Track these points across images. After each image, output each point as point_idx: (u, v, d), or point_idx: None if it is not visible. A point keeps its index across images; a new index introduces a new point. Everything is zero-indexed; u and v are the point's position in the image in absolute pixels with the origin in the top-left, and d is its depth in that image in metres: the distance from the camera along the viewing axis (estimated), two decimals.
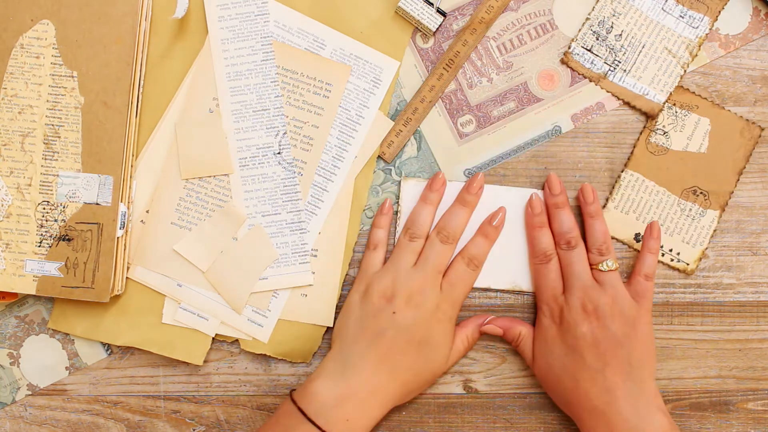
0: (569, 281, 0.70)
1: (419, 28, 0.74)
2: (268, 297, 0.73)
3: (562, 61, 0.74)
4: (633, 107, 0.74)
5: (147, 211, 0.73)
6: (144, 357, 0.74)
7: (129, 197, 0.72)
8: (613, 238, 0.74)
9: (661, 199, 0.74)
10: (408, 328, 0.67)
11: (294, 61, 0.73)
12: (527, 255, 0.73)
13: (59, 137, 0.70)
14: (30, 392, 0.74)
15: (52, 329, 0.74)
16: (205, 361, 0.74)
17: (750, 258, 0.75)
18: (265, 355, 0.74)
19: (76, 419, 0.74)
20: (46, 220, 0.70)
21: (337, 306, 0.74)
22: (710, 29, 0.74)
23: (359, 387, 0.66)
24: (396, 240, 0.73)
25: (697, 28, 0.74)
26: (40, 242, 0.70)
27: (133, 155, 0.72)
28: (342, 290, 0.74)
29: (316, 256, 0.73)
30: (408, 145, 0.74)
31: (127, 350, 0.74)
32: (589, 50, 0.74)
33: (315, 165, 0.73)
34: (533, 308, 0.74)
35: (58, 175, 0.70)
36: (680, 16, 0.74)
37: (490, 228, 0.72)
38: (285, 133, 0.73)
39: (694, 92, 0.74)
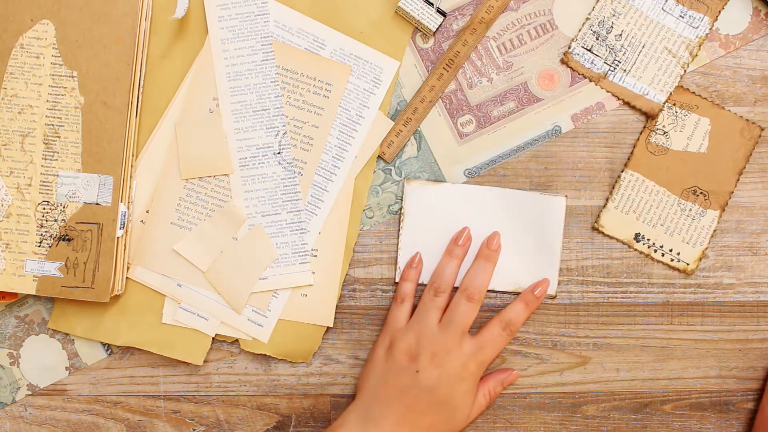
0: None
1: (419, 28, 0.74)
2: (268, 297, 0.73)
3: (562, 61, 0.74)
4: (633, 107, 0.74)
5: (147, 211, 0.73)
6: (144, 357, 0.74)
7: (129, 197, 0.72)
8: (613, 238, 0.74)
9: (661, 199, 0.74)
10: (430, 389, 0.67)
11: (294, 61, 0.73)
12: (529, 258, 0.73)
13: (59, 137, 0.70)
14: (30, 392, 0.74)
15: (52, 329, 0.74)
16: (205, 361, 0.74)
17: (750, 258, 0.75)
18: (265, 355, 0.74)
19: (76, 419, 0.74)
20: (46, 220, 0.70)
21: (337, 306, 0.74)
22: (710, 29, 0.74)
23: None
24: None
25: (697, 28, 0.74)
26: (40, 242, 0.70)
27: (133, 155, 0.72)
28: (342, 290, 0.74)
29: (316, 256, 0.73)
30: (408, 145, 0.74)
31: (127, 350, 0.74)
32: (589, 50, 0.74)
33: (315, 165, 0.73)
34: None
35: (58, 175, 0.70)
36: (680, 16, 0.74)
37: (533, 297, 0.71)
38: (285, 133, 0.73)
39: (694, 92, 0.74)
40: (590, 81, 0.74)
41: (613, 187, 0.74)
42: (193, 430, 0.75)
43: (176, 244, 0.72)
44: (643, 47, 0.73)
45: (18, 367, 0.74)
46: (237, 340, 0.74)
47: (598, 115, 0.74)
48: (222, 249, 0.72)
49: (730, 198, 0.74)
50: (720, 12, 0.74)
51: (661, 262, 0.74)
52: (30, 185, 0.70)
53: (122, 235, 0.71)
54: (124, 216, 0.71)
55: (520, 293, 0.73)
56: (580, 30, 0.74)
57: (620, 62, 0.74)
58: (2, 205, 0.70)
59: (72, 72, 0.70)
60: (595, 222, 0.74)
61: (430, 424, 0.67)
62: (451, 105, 0.74)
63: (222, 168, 0.73)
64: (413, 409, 0.67)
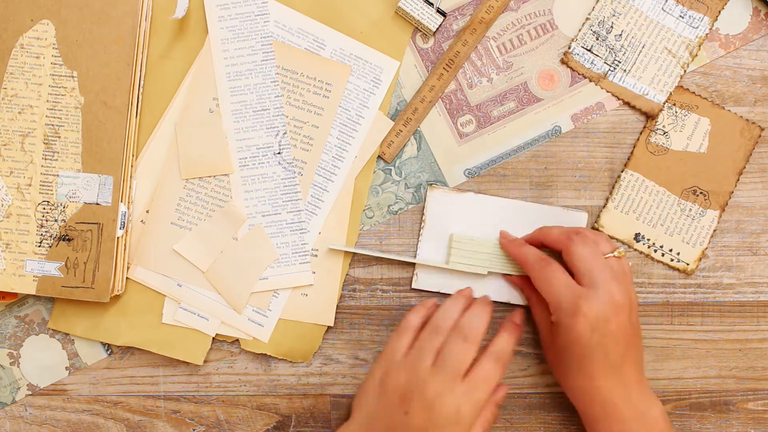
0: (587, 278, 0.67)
1: (419, 28, 0.74)
2: (269, 297, 0.73)
3: (562, 61, 0.74)
4: (633, 107, 0.74)
5: (147, 211, 0.73)
6: (144, 357, 0.74)
7: (129, 197, 0.72)
8: (613, 238, 0.74)
9: (661, 199, 0.74)
10: (420, 431, 0.64)
11: (294, 61, 0.73)
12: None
13: (59, 137, 0.70)
14: (30, 392, 0.74)
15: (52, 329, 0.74)
16: (205, 361, 0.74)
17: (750, 258, 0.75)
18: (265, 355, 0.74)
19: (76, 419, 0.74)
20: (46, 220, 0.70)
21: (337, 306, 0.74)
22: (710, 29, 0.74)
23: None
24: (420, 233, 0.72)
25: (697, 28, 0.74)
26: (40, 242, 0.70)
27: (133, 155, 0.72)
28: (342, 290, 0.74)
29: (316, 256, 0.73)
30: (408, 145, 0.74)
31: (127, 350, 0.74)
32: (589, 50, 0.74)
33: (315, 165, 0.73)
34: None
35: (58, 175, 0.70)
36: (680, 16, 0.74)
37: (514, 326, 0.69)
38: (285, 133, 0.73)
39: (694, 92, 0.74)
40: (590, 81, 0.74)
41: (613, 187, 0.74)
42: (193, 430, 0.75)
43: (176, 244, 0.72)
44: (643, 47, 0.73)
45: (18, 367, 0.74)
46: (237, 340, 0.74)
47: (598, 115, 0.74)
48: (222, 249, 0.72)
49: (730, 198, 0.74)
50: (720, 12, 0.74)
51: (661, 262, 0.74)
52: (30, 185, 0.70)
53: (122, 235, 0.71)
54: (124, 216, 0.71)
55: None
56: (580, 30, 0.74)
57: (620, 62, 0.74)
58: (2, 205, 0.71)
59: (72, 72, 0.70)
60: (595, 222, 0.74)
61: None
62: (451, 105, 0.74)
63: (222, 168, 0.73)
64: None
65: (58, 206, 0.70)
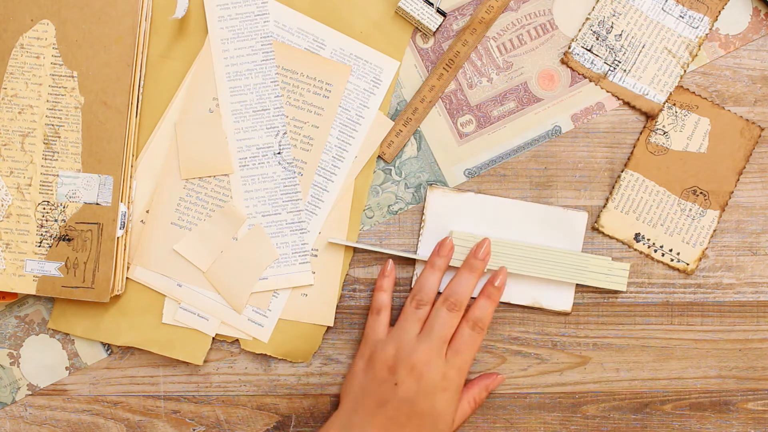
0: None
1: (419, 28, 0.74)
2: (269, 297, 0.73)
3: (562, 61, 0.74)
4: (633, 107, 0.74)
5: (147, 211, 0.73)
6: (144, 357, 0.74)
7: (129, 197, 0.72)
8: (613, 238, 0.74)
9: (661, 199, 0.74)
10: (410, 400, 0.66)
11: (294, 61, 0.73)
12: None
13: (59, 137, 0.70)
14: (30, 392, 0.74)
15: (52, 329, 0.74)
16: (205, 361, 0.74)
17: (750, 258, 0.75)
18: (265, 355, 0.74)
19: (76, 419, 0.74)
20: (46, 220, 0.70)
21: (337, 306, 0.74)
22: (710, 29, 0.74)
23: None
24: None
25: (697, 28, 0.74)
26: (40, 242, 0.70)
27: (133, 155, 0.72)
28: (342, 290, 0.74)
29: (316, 256, 0.73)
30: (408, 145, 0.74)
31: (127, 350, 0.74)
32: (589, 50, 0.74)
33: (315, 165, 0.73)
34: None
35: (58, 175, 0.70)
36: (680, 16, 0.74)
37: (493, 289, 0.70)
38: (285, 133, 0.73)
39: (694, 92, 0.74)
40: (590, 81, 0.74)
41: (613, 187, 0.74)
42: (193, 430, 0.75)
43: (176, 244, 0.72)
44: (643, 47, 0.73)
45: (18, 367, 0.74)
46: (237, 340, 0.74)
47: (598, 115, 0.74)
48: (222, 249, 0.72)
49: (730, 198, 0.74)
50: (720, 12, 0.74)
51: (661, 262, 0.74)
52: (30, 185, 0.70)
53: (122, 235, 0.71)
54: (124, 216, 0.71)
55: (539, 307, 0.73)
56: (580, 30, 0.74)
57: (620, 62, 0.74)
58: (2, 205, 0.70)
59: (72, 72, 0.70)
60: (595, 222, 0.74)
61: None
62: (451, 105, 0.74)
63: (222, 168, 0.73)
64: (394, 421, 0.66)
65: (58, 206, 0.70)
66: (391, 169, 0.74)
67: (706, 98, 0.74)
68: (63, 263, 0.70)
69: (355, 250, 0.74)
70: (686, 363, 0.75)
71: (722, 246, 0.75)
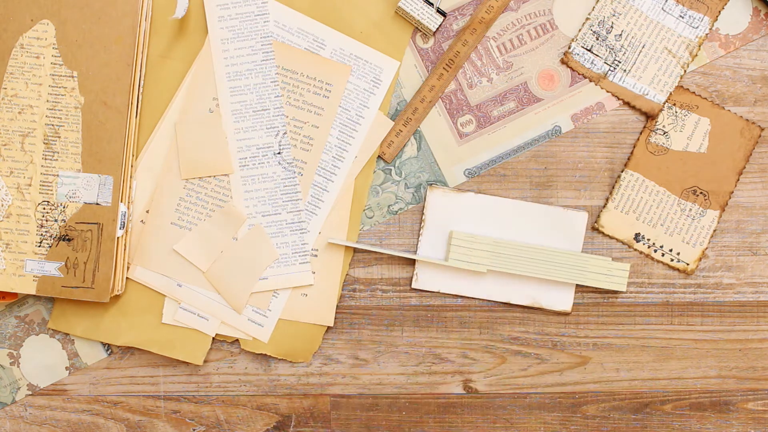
0: None
1: (419, 28, 0.74)
2: (269, 297, 0.73)
3: (562, 61, 0.74)
4: (633, 107, 0.74)
5: (147, 211, 0.73)
6: (144, 357, 0.74)
7: (129, 197, 0.72)
8: (613, 238, 0.74)
9: (661, 199, 0.74)
10: None
11: (294, 61, 0.73)
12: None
13: (59, 137, 0.70)
14: (30, 392, 0.74)
15: (52, 329, 0.74)
16: (205, 361, 0.74)
17: (750, 258, 0.75)
18: (265, 355, 0.74)
19: (76, 419, 0.74)
20: (46, 220, 0.70)
21: (337, 306, 0.74)
22: (710, 29, 0.74)
23: None
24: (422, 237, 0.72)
25: (697, 28, 0.74)
26: (40, 242, 0.70)
27: (133, 155, 0.72)
28: (342, 290, 0.74)
29: (316, 256, 0.73)
30: (408, 145, 0.74)
31: (127, 350, 0.74)
32: (589, 50, 0.74)
33: (315, 165, 0.73)
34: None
35: (58, 175, 0.70)
36: (680, 16, 0.74)
37: None
38: (285, 133, 0.73)
39: (694, 92, 0.74)
40: (590, 81, 0.74)
41: (613, 187, 0.74)
42: (193, 430, 0.75)
43: (176, 244, 0.72)
44: (643, 47, 0.73)
45: (18, 367, 0.74)
46: (237, 340, 0.74)
47: (598, 115, 0.74)
48: (222, 249, 0.72)
49: (730, 198, 0.74)
50: (720, 12, 0.74)
51: (661, 262, 0.74)
52: (30, 185, 0.70)
53: (122, 235, 0.71)
54: (124, 216, 0.71)
55: (539, 307, 0.73)
56: (580, 30, 0.74)
57: (620, 62, 0.74)
58: (2, 205, 0.70)
59: (72, 72, 0.70)
60: (595, 222, 0.74)
61: None
62: (451, 105, 0.74)
63: (222, 168, 0.73)
64: None
65: (58, 206, 0.70)
66: (391, 169, 0.74)
67: (706, 98, 0.74)
68: (63, 263, 0.70)
69: (355, 250, 0.74)
70: (686, 363, 0.75)
71: (722, 246, 0.75)
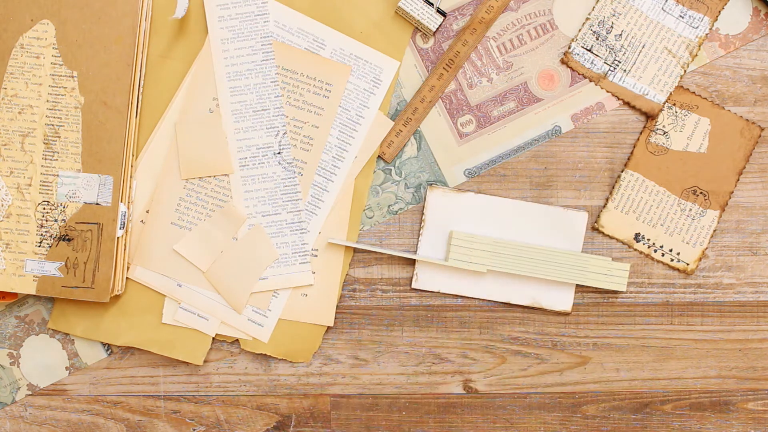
0: None
1: (419, 28, 0.74)
2: (269, 297, 0.73)
3: (562, 61, 0.74)
4: (633, 107, 0.74)
5: (147, 211, 0.73)
6: (144, 357, 0.74)
7: (129, 197, 0.72)
8: (613, 238, 0.74)
9: (661, 199, 0.74)
10: None
11: (294, 61, 0.73)
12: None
13: (59, 137, 0.70)
14: (30, 392, 0.74)
15: (52, 329, 0.74)
16: (205, 361, 0.74)
17: (750, 258, 0.75)
18: (265, 355, 0.74)
19: (76, 419, 0.74)
20: (46, 220, 0.70)
21: (337, 306, 0.74)
22: (710, 29, 0.74)
23: None
24: (422, 236, 0.72)
25: (697, 28, 0.74)
26: (40, 242, 0.70)
27: (133, 155, 0.72)
28: (342, 290, 0.74)
29: (316, 256, 0.73)
30: (408, 145, 0.74)
31: (127, 350, 0.74)
32: (589, 50, 0.74)
33: (315, 165, 0.73)
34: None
35: (58, 175, 0.70)
36: (680, 16, 0.74)
37: None
38: (285, 133, 0.73)
39: (694, 92, 0.74)
40: (590, 81, 0.74)
41: (613, 187, 0.74)
42: (193, 430, 0.75)
43: (176, 244, 0.72)
44: (643, 47, 0.73)
45: (18, 367, 0.74)
46: (237, 340, 0.74)
47: (598, 115, 0.74)
48: (222, 249, 0.72)
49: (730, 198, 0.74)
50: (720, 12, 0.74)
51: (661, 262, 0.74)
52: (30, 185, 0.70)
53: (122, 235, 0.71)
54: (124, 216, 0.71)
55: (539, 307, 0.73)
56: (580, 30, 0.74)
57: (620, 62, 0.74)
58: (2, 205, 0.70)
59: (72, 72, 0.70)
60: (595, 222, 0.74)
61: None
62: (451, 105, 0.74)
63: (222, 168, 0.73)
64: None
65: (58, 206, 0.70)
66: (391, 169, 0.74)
67: (706, 98, 0.74)
68: (63, 263, 0.70)
69: (355, 250, 0.74)
70: (686, 363, 0.75)
71: (722, 246, 0.75)
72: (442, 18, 0.73)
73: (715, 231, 0.74)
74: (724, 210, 0.74)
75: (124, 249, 0.71)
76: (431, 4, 0.73)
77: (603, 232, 0.74)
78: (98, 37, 0.70)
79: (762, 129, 0.74)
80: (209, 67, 0.73)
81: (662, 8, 0.73)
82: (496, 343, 0.75)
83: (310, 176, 0.73)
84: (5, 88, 0.70)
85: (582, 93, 0.74)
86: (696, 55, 0.74)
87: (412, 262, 0.74)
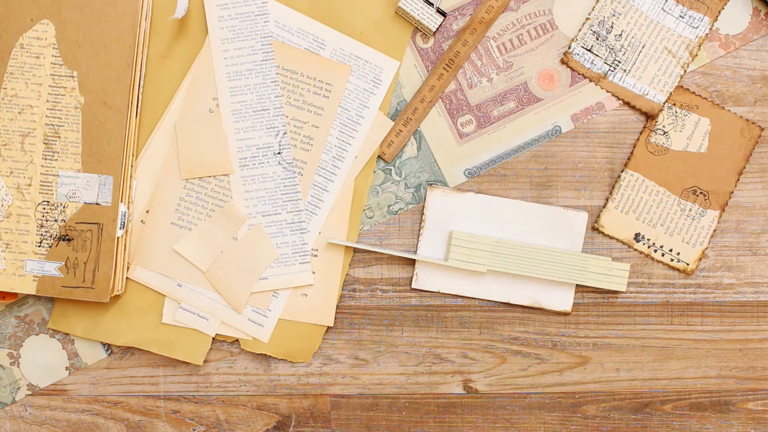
0: None
1: (419, 28, 0.74)
2: (269, 297, 0.73)
3: (562, 61, 0.74)
4: (633, 107, 0.74)
5: (147, 211, 0.73)
6: (144, 357, 0.74)
7: (129, 197, 0.72)
8: (613, 238, 0.74)
9: (661, 199, 0.74)
10: None
11: (294, 61, 0.73)
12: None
13: (59, 137, 0.70)
14: (30, 392, 0.74)
15: (52, 329, 0.74)
16: (205, 361, 0.74)
17: (750, 258, 0.75)
18: (265, 355, 0.74)
19: (76, 419, 0.74)
20: (46, 220, 0.70)
21: (337, 306, 0.74)
22: (710, 29, 0.74)
23: None
24: (421, 235, 0.72)
25: (697, 28, 0.74)
26: (40, 242, 0.70)
27: (133, 155, 0.72)
28: (342, 290, 0.74)
29: (316, 256, 0.73)
30: (408, 145, 0.74)
31: (127, 350, 0.74)
32: (589, 50, 0.74)
33: (315, 165, 0.73)
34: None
35: (58, 175, 0.70)
36: (680, 16, 0.74)
37: None
38: (285, 133, 0.73)
39: (694, 92, 0.74)
40: (590, 81, 0.74)
41: (613, 187, 0.74)
42: (193, 430, 0.75)
43: (176, 244, 0.72)
44: (643, 47, 0.73)
45: (18, 367, 0.74)
46: (237, 340, 0.74)
47: (598, 115, 0.74)
48: (222, 249, 0.72)
49: (730, 198, 0.74)
50: (720, 12, 0.74)
51: (661, 262, 0.74)
52: (30, 185, 0.70)
53: (122, 235, 0.71)
54: (124, 216, 0.71)
55: (539, 307, 0.73)
56: (580, 30, 0.74)
57: (620, 62, 0.74)
58: (2, 205, 0.70)
59: (72, 72, 0.70)
60: (595, 222, 0.74)
61: None
62: (451, 105, 0.74)
63: (222, 168, 0.73)
64: None
65: (58, 206, 0.70)
66: (391, 169, 0.74)
67: (706, 98, 0.74)
68: (63, 263, 0.70)
69: (355, 250, 0.74)
70: (686, 363, 0.75)
71: (722, 246, 0.75)
72: (442, 18, 0.73)
73: (715, 231, 0.74)
74: (724, 210, 0.74)
75: (124, 249, 0.71)
76: (431, 4, 0.73)
77: (603, 232, 0.74)
78: (98, 37, 0.70)
79: (762, 129, 0.74)
80: (209, 67, 0.73)
81: (662, 8, 0.73)
82: (496, 343, 0.75)
83: (310, 176, 0.73)
84: (5, 88, 0.70)
85: (582, 93, 0.74)
86: (696, 55, 0.74)
87: (412, 262, 0.74)
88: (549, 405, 0.75)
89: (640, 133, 0.74)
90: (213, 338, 0.73)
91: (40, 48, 0.70)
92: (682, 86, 0.74)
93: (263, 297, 0.73)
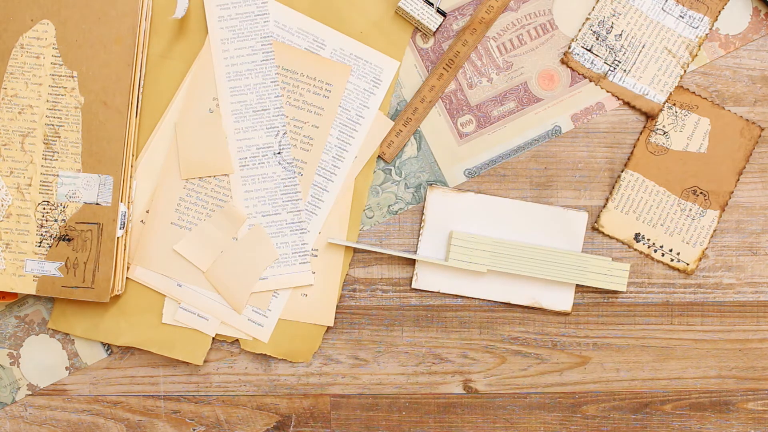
0: None
1: (419, 28, 0.74)
2: (269, 297, 0.73)
3: (562, 61, 0.74)
4: (633, 107, 0.74)
5: (147, 211, 0.73)
6: (144, 357, 0.74)
7: (129, 197, 0.72)
8: (613, 238, 0.74)
9: (661, 199, 0.74)
10: None
11: (294, 61, 0.73)
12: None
13: (59, 137, 0.70)
14: (30, 392, 0.74)
15: (52, 329, 0.74)
16: (205, 361, 0.74)
17: (750, 258, 0.75)
18: (265, 355, 0.74)
19: (76, 419, 0.74)
20: (46, 220, 0.70)
21: (337, 306, 0.74)
22: (710, 29, 0.74)
23: None
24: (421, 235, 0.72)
25: (697, 28, 0.74)
26: (40, 242, 0.70)
27: (133, 155, 0.72)
28: (342, 290, 0.74)
29: (316, 256, 0.73)
30: (408, 145, 0.74)
31: (127, 350, 0.74)
32: (589, 50, 0.74)
33: (315, 165, 0.73)
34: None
35: (58, 175, 0.70)
36: (680, 16, 0.74)
37: None
38: (285, 133, 0.73)
39: (694, 92, 0.74)
40: (590, 81, 0.74)
41: (613, 187, 0.74)
42: (193, 430, 0.75)
43: (176, 244, 0.72)
44: (643, 47, 0.74)
45: (18, 367, 0.74)
46: (237, 340, 0.74)
47: (598, 115, 0.74)
48: (222, 249, 0.72)
49: (730, 198, 0.74)
50: (720, 12, 0.74)
51: (661, 262, 0.74)
52: (30, 185, 0.70)
53: (122, 235, 0.71)
54: (124, 216, 0.71)
55: (539, 307, 0.73)
56: (580, 30, 0.74)
57: (620, 62, 0.74)
58: (2, 205, 0.71)
59: (72, 72, 0.70)
60: (595, 222, 0.74)
61: None
62: (451, 105, 0.74)
63: (222, 168, 0.73)
64: None
65: (58, 206, 0.70)
66: (391, 169, 0.74)
67: (706, 98, 0.74)
68: (63, 263, 0.70)
69: (355, 250, 0.74)
70: (686, 363, 0.75)
71: (722, 246, 0.75)
72: (442, 18, 0.73)
73: (715, 231, 0.74)
74: (724, 210, 0.74)
75: (124, 249, 0.71)
76: (431, 4, 0.73)
77: (603, 232, 0.74)
78: (98, 37, 0.70)
79: (762, 129, 0.74)
80: (209, 67, 0.73)
81: (662, 8, 0.73)
82: (496, 343, 0.75)
83: (310, 176, 0.73)
84: (5, 88, 0.70)
85: (582, 93, 0.74)
86: (696, 55, 0.74)
87: (412, 262, 0.74)
88: (549, 405, 0.75)
89: (640, 133, 0.74)
90: (213, 338, 0.73)
91: (40, 48, 0.70)
92: (682, 86, 0.74)
93: (263, 297, 0.73)
